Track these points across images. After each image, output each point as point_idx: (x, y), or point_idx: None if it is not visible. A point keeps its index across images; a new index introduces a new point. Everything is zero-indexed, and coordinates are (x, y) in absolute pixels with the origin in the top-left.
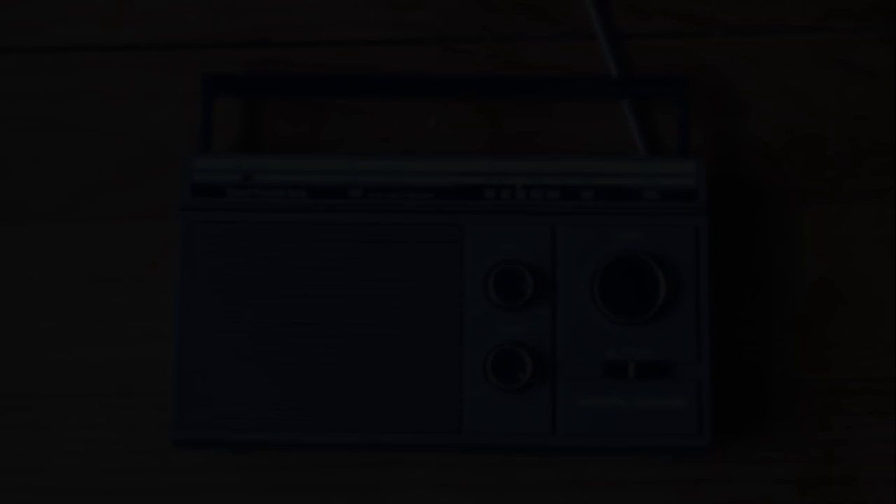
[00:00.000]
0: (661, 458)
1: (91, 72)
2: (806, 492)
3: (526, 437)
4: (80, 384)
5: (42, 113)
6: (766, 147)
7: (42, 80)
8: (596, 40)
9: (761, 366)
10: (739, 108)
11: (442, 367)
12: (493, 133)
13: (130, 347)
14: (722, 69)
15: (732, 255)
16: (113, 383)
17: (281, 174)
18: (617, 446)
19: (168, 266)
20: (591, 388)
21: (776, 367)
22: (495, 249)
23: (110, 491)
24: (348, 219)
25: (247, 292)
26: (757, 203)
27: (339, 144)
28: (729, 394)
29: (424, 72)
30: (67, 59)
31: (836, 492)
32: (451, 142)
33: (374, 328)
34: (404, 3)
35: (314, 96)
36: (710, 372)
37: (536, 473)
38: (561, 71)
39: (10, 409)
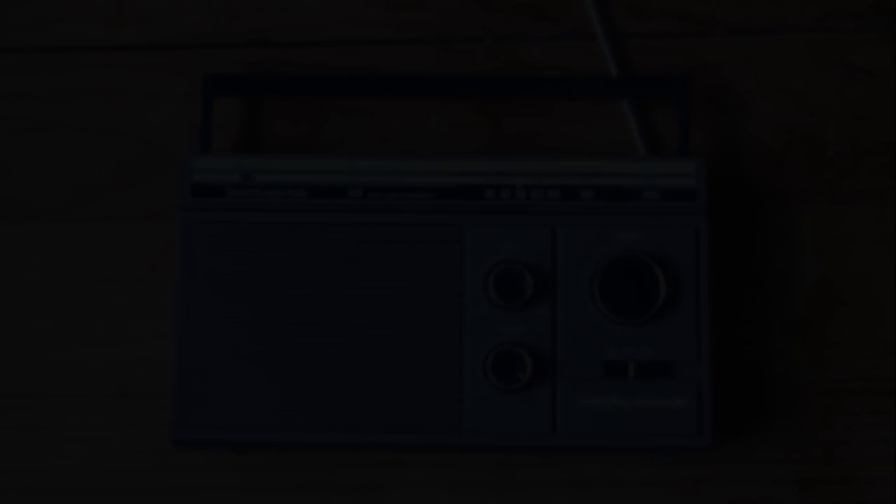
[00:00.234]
0: (661, 458)
1: (91, 72)
2: (806, 492)
3: (526, 437)
4: (80, 384)
5: (42, 113)
6: (766, 147)
7: (42, 80)
8: (596, 40)
9: (761, 366)
10: (739, 108)
11: (442, 367)
12: (493, 133)
13: (130, 347)
14: (722, 69)
15: (732, 255)
16: (113, 383)
17: (281, 174)
18: (617, 446)
19: (168, 266)
20: (591, 388)
21: (776, 367)
22: (495, 249)
23: (110, 491)
24: (348, 219)
25: (247, 292)
26: (757, 203)
27: (339, 144)
28: (729, 394)
29: (424, 72)
30: (67, 59)
31: (836, 492)
32: (451, 142)
33: (374, 328)
34: (404, 3)
35: (314, 96)
36: (710, 372)
37: (536, 473)
38: (561, 71)
39: (10, 409)
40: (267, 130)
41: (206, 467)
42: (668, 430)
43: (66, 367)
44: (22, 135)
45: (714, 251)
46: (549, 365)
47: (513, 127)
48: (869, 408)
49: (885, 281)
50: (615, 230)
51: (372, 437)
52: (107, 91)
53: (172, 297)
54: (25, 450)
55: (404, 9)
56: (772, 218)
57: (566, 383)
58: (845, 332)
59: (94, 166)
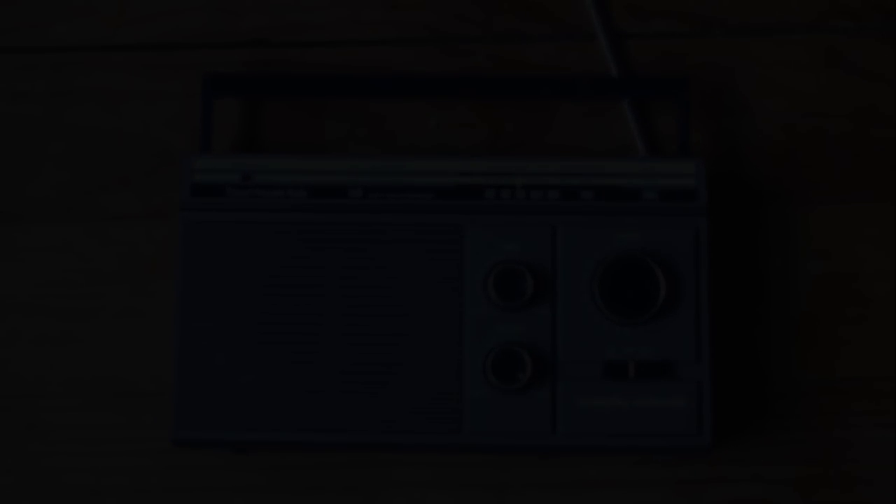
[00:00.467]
0: (661, 458)
1: (91, 72)
2: (806, 492)
3: (526, 437)
4: (80, 384)
5: (42, 113)
6: (766, 147)
7: (42, 80)
8: (596, 40)
9: (761, 366)
10: (739, 108)
11: (442, 368)
12: (493, 133)
13: (130, 347)
14: (722, 69)
15: (732, 255)
16: (113, 383)
17: (281, 174)
18: (617, 446)
19: (168, 266)
20: (591, 388)
21: (776, 367)
22: (495, 249)
23: (110, 491)
24: (348, 219)
25: (247, 292)
26: (757, 203)
27: (339, 144)
28: (729, 394)
29: (424, 72)
30: (67, 59)
31: (836, 492)
32: (451, 142)
33: (374, 328)
34: (404, 3)
35: (314, 96)
36: (710, 372)
37: (536, 473)
38: (561, 71)
39: (10, 409)
40: (267, 130)
41: (206, 467)
42: (668, 430)
43: (65, 367)
44: (22, 135)
45: (714, 251)
46: (549, 365)
47: (513, 127)
48: (869, 408)
49: (884, 281)
50: (615, 230)
51: (372, 437)
52: (107, 91)
53: (172, 297)
54: (25, 450)
55: (404, 9)
56: (772, 218)
57: (566, 383)
58: (845, 332)
59: (94, 166)
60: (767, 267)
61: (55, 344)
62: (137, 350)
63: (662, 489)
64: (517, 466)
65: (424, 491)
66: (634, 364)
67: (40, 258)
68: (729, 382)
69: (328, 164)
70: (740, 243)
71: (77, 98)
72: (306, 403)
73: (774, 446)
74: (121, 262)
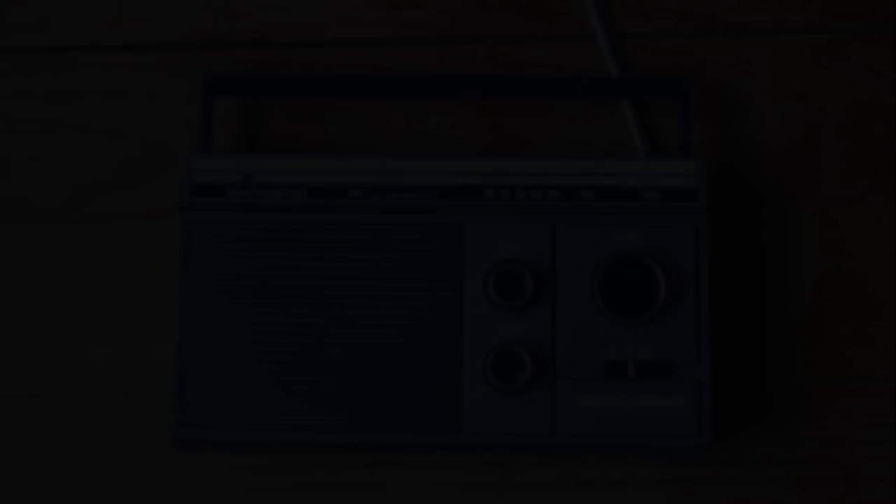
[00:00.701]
0: (661, 458)
1: (91, 72)
2: (806, 492)
3: (526, 437)
4: (80, 384)
5: (42, 113)
6: (766, 147)
7: (42, 80)
8: (596, 40)
9: (761, 366)
10: (739, 108)
11: (442, 367)
12: (493, 133)
13: (130, 347)
14: (722, 69)
15: (732, 255)
16: (113, 383)
17: (281, 174)
18: (617, 446)
19: (168, 266)
20: (591, 388)
21: (776, 367)
22: (495, 249)
23: (110, 491)
24: (348, 219)
25: (247, 292)
26: (757, 203)
27: (339, 144)
28: (729, 394)
29: (424, 72)
30: (67, 59)
31: (836, 492)
32: (451, 142)
33: (374, 328)
34: (404, 3)
35: (314, 96)
36: (710, 372)
37: (536, 473)
38: (561, 71)
39: (10, 409)
40: (267, 130)
41: (206, 467)
42: (668, 429)
43: (66, 367)
44: (22, 135)
45: (714, 251)
46: (549, 365)
47: (513, 127)
48: (869, 408)
49: (884, 281)
50: (615, 230)
51: (372, 437)
52: (107, 91)
53: (172, 297)
54: (25, 450)
55: (404, 9)
56: (772, 218)
57: (566, 383)
58: (845, 332)
59: (94, 166)
60: (768, 267)
61: (55, 343)
62: (137, 350)
63: (662, 489)
64: (517, 466)
65: (424, 491)
66: (634, 364)
67: (40, 258)
68: (729, 382)
69: (328, 164)
70: (741, 243)
71: (77, 98)
72: (306, 403)
73: (774, 446)
74: (121, 262)
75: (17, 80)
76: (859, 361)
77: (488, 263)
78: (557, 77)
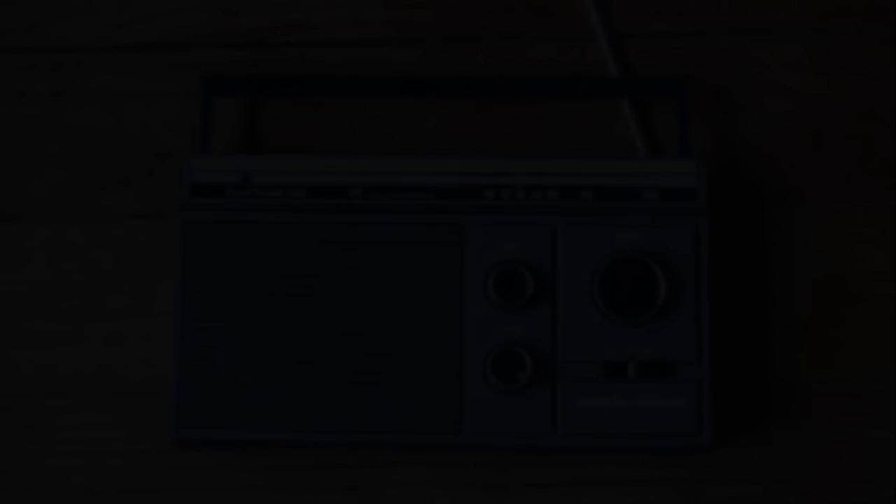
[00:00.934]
0: (661, 458)
1: (91, 72)
2: (806, 492)
3: (526, 437)
4: (80, 384)
5: (42, 113)
6: (766, 147)
7: (42, 80)
8: (596, 40)
9: (761, 366)
10: (739, 108)
11: (442, 367)
12: (493, 133)
13: (130, 347)
14: (722, 69)
15: (732, 255)
16: (113, 383)
17: (281, 174)
18: (617, 446)
19: (168, 266)
20: (591, 388)
21: (776, 367)
22: (495, 249)
23: (110, 491)
24: (348, 219)
25: (247, 292)
26: (757, 203)
27: (339, 144)
28: (729, 394)
29: (424, 72)
30: (67, 59)
31: (836, 492)
32: (451, 142)
33: (373, 328)
34: (404, 3)
35: (314, 96)
36: (710, 372)
37: (536, 473)
38: (561, 71)
39: (10, 409)
40: (267, 130)
41: (206, 467)
42: (668, 430)
43: (65, 367)
44: (22, 135)
45: (714, 251)
46: (549, 365)
47: (513, 127)
48: (869, 408)
49: (885, 281)
50: (615, 230)
51: (372, 437)
52: (107, 91)
53: (172, 297)
54: (24, 450)
55: (404, 9)
56: (772, 218)
57: (566, 383)
58: (846, 332)
59: (94, 166)
60: (768, 267)
61: (55, 344)
62: (137, 350)
63: (662, 489)
64: (517, 466)
65: (424, 491)
66: (634, 364)
67: (40, 258)
68: (729, 382)
69: (328, 164)
70: (741, 243)
71: (77, 98)
72: (306, 403)
73: (774, 446)
74: (121, 262)
75: (17, 80)
76: (860, 361)
77: (488, 263)
78: (557, 77)
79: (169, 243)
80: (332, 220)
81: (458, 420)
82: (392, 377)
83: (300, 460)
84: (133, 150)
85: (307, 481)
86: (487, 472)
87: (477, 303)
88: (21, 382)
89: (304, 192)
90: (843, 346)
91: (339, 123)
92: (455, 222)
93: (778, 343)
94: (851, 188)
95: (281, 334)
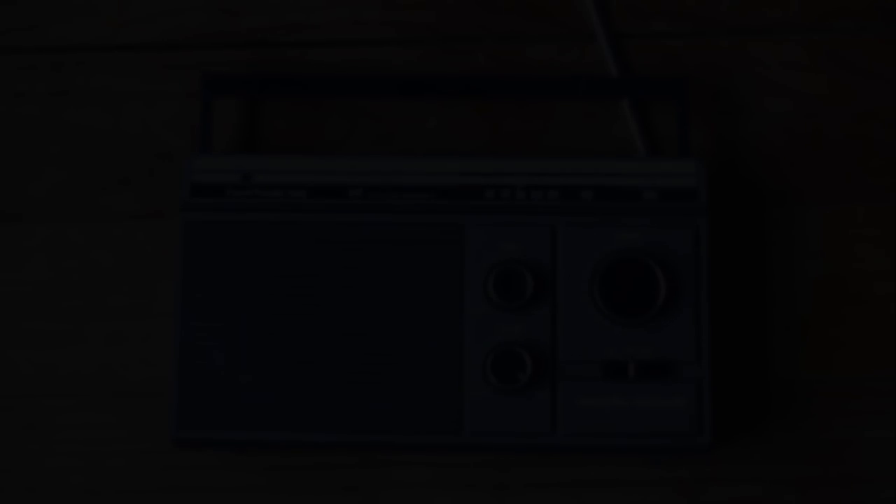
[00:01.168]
0: (661, 458)
1: (91, 72)
2: (806, 492)
3: (526, 437)
4: (80, 384)
5: (42, 113)
6: (766, 147)
7: (42, 80)
8: (596, 40)
9: (761, 366)
10: (739, 108)
11: (442, 367)
12: (493, 133)
13: (130, 347)
14: (722, 69)
15: (732, 255)
16: (113, 383)
17: (281, 174)
18: (617, 446)
19: (168, 266)
20: (591, 388)
21: (776, 367)
22: (495, 249)
23: (110, 491)
24: (348, 219)
25: (247, 292)
26: (757, 203)
27: (339, 144)
28: (729, 394)
29: (424, 72)
30: (67, 59)
31: (836, 492)
32: (451, 142)
33: (373, 328)
34: (404, 3)
35: (314, 96)
36: (710, 372)
37: (536, 473)
38: (561, 71)
39: (10, 409)
40: (267, 130)
41: (206, 467)
42: (668, 430)
43: (64, 367)
44: (22, 135)
45: (714, 251)
46: (549, 365)
47: (513, 127)
48: (869, 408)
49: (884, 281)
50: (615, 230)
51: (372, 437)
52: (107, 91)
53: (172, 296)
54: (24, 450)
55: (404, 9)
56: (772, 218)
57: (566, 383)
58: (845, 332)
59: (94, 166)
60: (768, 267)
61: (55, 344)
62: (137, 350)
63: (662, 489)
64: (517, 466)
65: (424, 491)
66: (634, 364)
67: (40, 258)
68: (729, 383)
69: (328, 164)
70: (741, 243)
71: (77, 98)
72: (306, 403)
73: (774, 446)
74: (121, 262)
75: (17, 80)
76: (860, 361)
77: (488, 263)
78: (557, 77)
79: (169, 243)
80: (332, 220)
81: (458, 420)
82: (392, 377)
83: (300, 460)
84: (133, 150)
85: (307, 481)
86: (487, 472)
87: (477, 303)
88: (21, 382)
89: (304, 192)
90: (843, 346)
91: (339, 123)
92: (455, 222)
93: (778, 343)
94: (851, 188)
95: (281, 334)
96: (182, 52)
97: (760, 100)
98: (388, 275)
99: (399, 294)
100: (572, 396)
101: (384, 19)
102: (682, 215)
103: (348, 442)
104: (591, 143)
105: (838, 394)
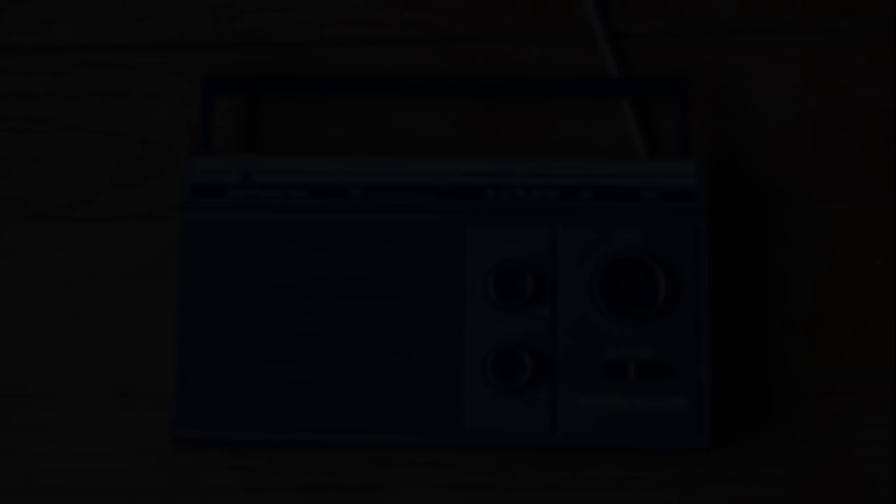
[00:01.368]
0: (661, 458)
1: (91, 72)
2: (806, 492)
3: (526, 437)
4: (80, 384)
5: (42, 113)
6: (766, 147)
7: (42, 80)
8: (596, 40)
9: (761, 366)
10: (739, 108)
11: (442, 367)
12: (493, 133)
13: (130, 347)
14: (722, 69)
15: (732, 255)
16: (113, 383)
17: (281, 174)
18: (617, 446)
19: (168, 266)
20: (591, 388)
21: (776, 367)
22: (495, 249)
23: (110, 491)
24: (348, 219)
25: (247, 292)
26: (757, 203)
27: (339, 144)
28: (729, 394)
29: (424, 72)
30: (67, 59)
31: (836, 492)
32: (451, 142)
33: (374, 328)
34: (404, 3)
35: (314, 96)
36: (710, 372)
37: (536, 473)
38: (561, 71)
39: (10, 409)
40: (267, 130)
41: (206, 467)
42: (668, 430)
43: (65, 367)
44: (22, 135)
45: (715, 251)
46: (549, 365)
47: (513, 127)
48: (870, 408)
49: (884, 281)
50: (615, 230)
51: (372, 437)
52: (107, 91)
53: (172, 297)
54: (25, 450)
55: (404, 9)
56: (773, 218)
57: (566, 383)
58: (846, 332)
59: (94, 166)
60: (768, 267)
61: (55, 344)
62: (137, 350)
63: (662, 489)
64: (517, 466)
65: (424, 491)
66: (634, 364)
67: (40, 258)
68: (729, 383)
69: (328, 164)
70: (741, 243)
71: (77, 98)
72: (306, 403)
73: (774, 446)
74: (121, 262)
75: (17, 80)
76: (859, 361)
77: (488, 263)
78: (557, 77)
79: (169, 243)
80: (332, 220)
81: (458, 420)
82: (392, 377)
83: (300, 460)
84: (133, 150)
85: (307, 481)
86: (487, 472)
87: (477, 303)
88: (21, 382)
89: (305, 192)
90: (843, 346)
91: (339, 123)
92: (455, 222)
93: (778, 343)
94: (851, 188)
95: (280, 334)
96: (182, 52)
97: (760, 100)
98: (389, 275)
99: (399, 294)
100: (572, 396)
101: (384, 19)
102: (682, 215)
103: (348, 442)
104: (591, 143)
105: (838, 394)
